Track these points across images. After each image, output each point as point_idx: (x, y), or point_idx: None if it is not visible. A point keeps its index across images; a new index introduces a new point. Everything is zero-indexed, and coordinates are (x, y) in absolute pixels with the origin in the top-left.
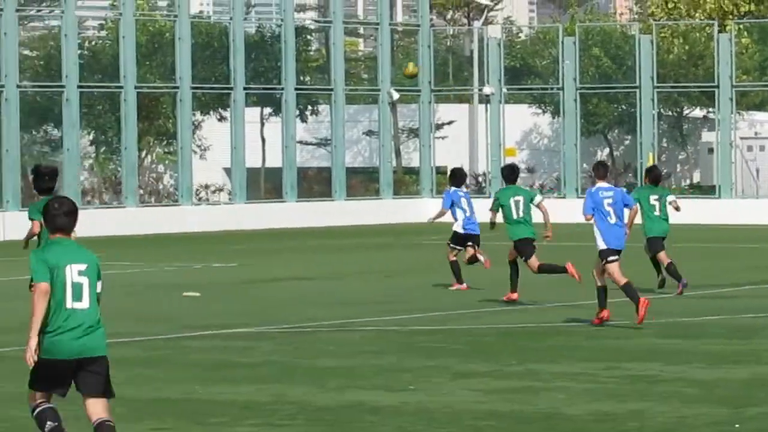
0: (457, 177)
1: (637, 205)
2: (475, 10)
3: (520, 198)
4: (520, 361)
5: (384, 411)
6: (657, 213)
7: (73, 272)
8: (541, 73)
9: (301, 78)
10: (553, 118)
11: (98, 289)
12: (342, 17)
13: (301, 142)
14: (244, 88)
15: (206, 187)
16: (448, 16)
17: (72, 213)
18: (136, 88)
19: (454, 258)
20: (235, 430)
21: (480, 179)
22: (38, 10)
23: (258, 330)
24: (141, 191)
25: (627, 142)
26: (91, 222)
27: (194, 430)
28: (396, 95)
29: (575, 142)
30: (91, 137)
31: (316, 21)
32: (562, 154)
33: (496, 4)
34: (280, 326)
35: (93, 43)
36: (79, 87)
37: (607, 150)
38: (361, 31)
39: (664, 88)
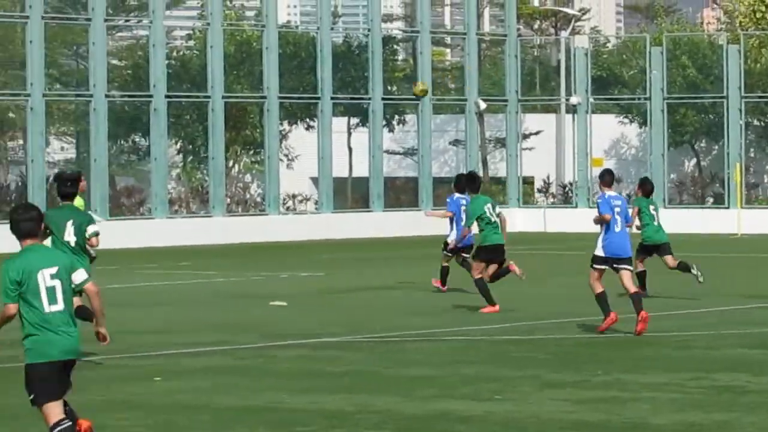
0: (461, 182)
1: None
2: (563, 20)
3: (490, 204)
4: (607, 371)
5: (471, 420)
6: (656, 223)
7: (46, 277)
8: (627, 82)
9: (388, 88)
10: (640, 128)
11: (78, 281)
12: (429, 27)
13: (387, 152)
14: (332, 98)
15: (293, 196)
16: (536, 26)
17: (37, 218)
18: (223, 97)
19: (447, 263)
20: None
21: (567, 189)
22: (127, 20)
23: (345, 339)
24: (228, 200)
25: (714, 152)
26: (178, 231)
27: None
28: (483, 105)
29: (662, 152)
30: (178, 146)
31: (403, 31)
32: (649, 165)
33: (583, 14)
34: (367, 336)
35: (181, 52)
36: (167, 97)
37: (694, 160)
38: (448, 41)
39: (751, 98)
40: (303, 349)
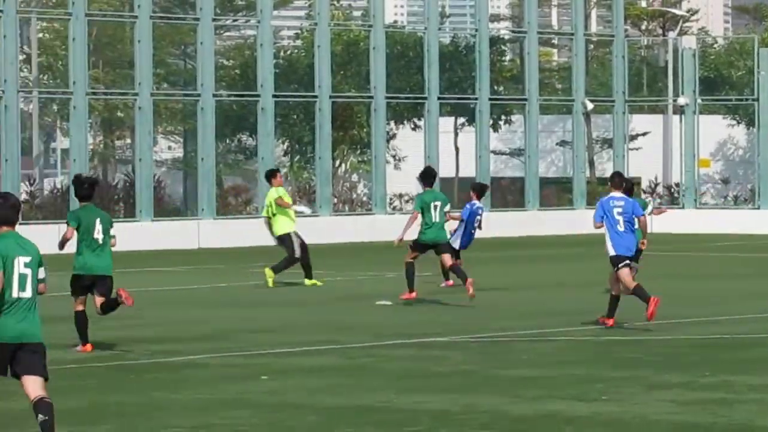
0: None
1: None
2: (670, 21)
3: (439, 203)
4: (715, 372)
5: (577, 421)
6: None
7: (20, 264)
8: (735, 83)
9: (495, 88)
10: (748, 129)
11: (40, 275)
12: (536, 27)
13: (494, 152)
14: (438, 98)
15: (400, 196)
16: (643, 27)
17: (15, 206)
18: (330, 97)
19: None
20: None
21: (673, 190)
22: (234, 20)
23: (451, 339)
24: (335, 200)
25: None
26: None
27: None
28: (590, 105)
29: None
30: (285, 146)
31: (510, 31)
32: (757, 166)
33: (691, 14)
34: (473, 336)
35: (288, 52)
36: (275, 96)
37: None
38: (556, 41)
39: None
40: (410, 348)
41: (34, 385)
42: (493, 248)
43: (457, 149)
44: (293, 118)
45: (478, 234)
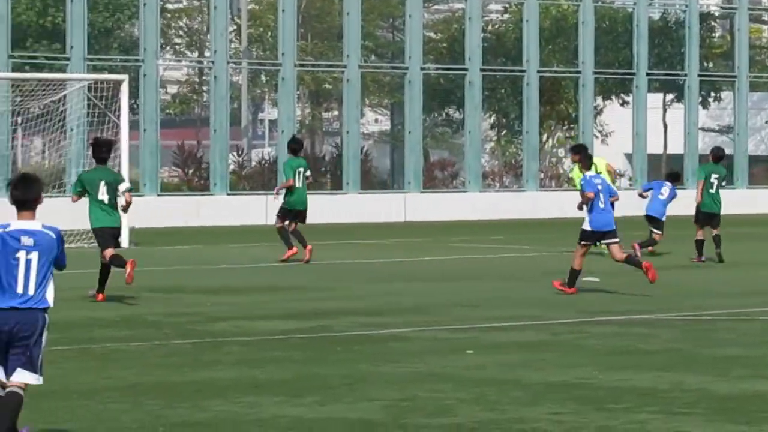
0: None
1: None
2: None
3: (302, 168)
4: None
5: None
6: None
7: None
8: None
9: (704, 64)
10: None
11: None
12: (747, 4)
13: (703, 129)
14: (647, 74)
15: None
16: None
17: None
18: (538, 72)
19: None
20: (634, 417)
21: None
22: None
23: (658, 317)
24: (541, 175)
25: None
26: (491, 205)
27: (593, 416)
28: None
29: None
30: (492, 120)
31: (720, 7)
32: None
33: None
34: (680, 314)
35: (496, 26)
36: (482, 70)
37: None
38: (766, 17)
39: None
40: (614, 326)
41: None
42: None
43: (665, 126)
44: (500, 92)
45: (688, 211)
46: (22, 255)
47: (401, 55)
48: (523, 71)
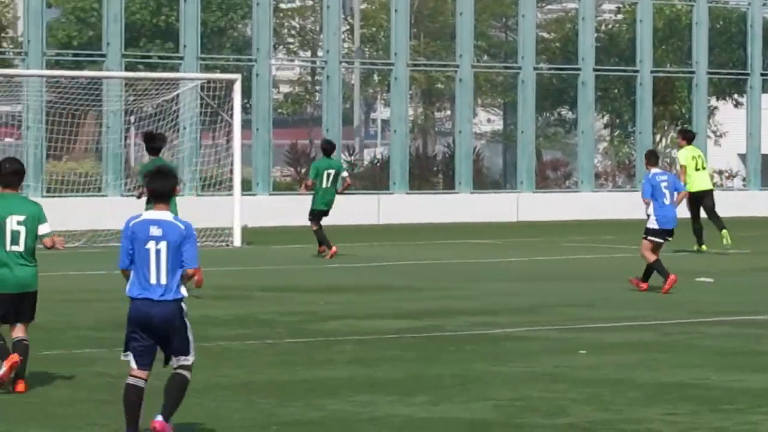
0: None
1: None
2: None
3: (333, 171)
4: None
5: None
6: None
7: (13, 222)
8: None
9: None
10: None
11: (41, 232)
12: None
13: None
14: (761, 74)
15: (720, 172)
16: None
17: (18, 172)
18: (651, 72)
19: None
20: (749, 418)
21: None
22: None
23: None
24: None
25: None
26: (604, 205)
27: (708, 417)
28: None
29: None
30: (605, 120)
31: None
32: None
33: None
34: None
35: (609, 26)
36: (595, 70)
37: None
38: None
39: None
40: (728, 326)
41: (18, 331)
42: None
43: None
44: (613, 92)
45: None
46: (151, 245)
47: (514, 55)
48: (637, 71)
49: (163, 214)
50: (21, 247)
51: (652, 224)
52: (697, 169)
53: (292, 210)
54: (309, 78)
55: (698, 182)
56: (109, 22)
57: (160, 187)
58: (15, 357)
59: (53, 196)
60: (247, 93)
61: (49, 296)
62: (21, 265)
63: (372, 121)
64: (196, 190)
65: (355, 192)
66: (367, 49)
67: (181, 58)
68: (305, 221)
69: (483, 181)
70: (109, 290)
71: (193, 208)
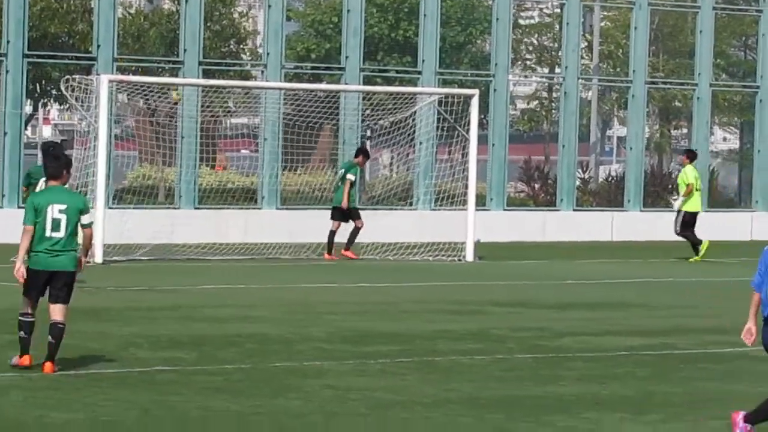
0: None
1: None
2: None
3: (342, 171)
4: None
5: None
6: None
7: (54, 210)
8: None
9: None
10: None
11: (84, 221)
12: None
13: None
14: None
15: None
16: None
17: (60, 167)
18: None
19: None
20: None
21: None
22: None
23: None
24: None
25: None
26: None
27: None
28: None
29: None
30: None
31: None
32: None
33: None
34: None
35: None
36: None
37: None
38: None
39: None
40: None
41: (55, 311)
42: None
43: None
44: None
45: None
46: None
47: (753, 74)
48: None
49: None
50: (61, 234)
51: None
52: (697, 190)
53: (526, 225)
54: (545, 94)
55: (698, 203)
56: (348, 36)
57: None
58: (26, 361)
59: (286, 208)
60: (483, 108)
61: (288, 308)
62: (58, 250)
63: (608, 138)
64: (431, 204)
65: (589, 209)
66: (604, 66)
67: (419, 73)
68: (538, 237)
69: (718, 200)
70: (341, 303)
71: (427, 222)
